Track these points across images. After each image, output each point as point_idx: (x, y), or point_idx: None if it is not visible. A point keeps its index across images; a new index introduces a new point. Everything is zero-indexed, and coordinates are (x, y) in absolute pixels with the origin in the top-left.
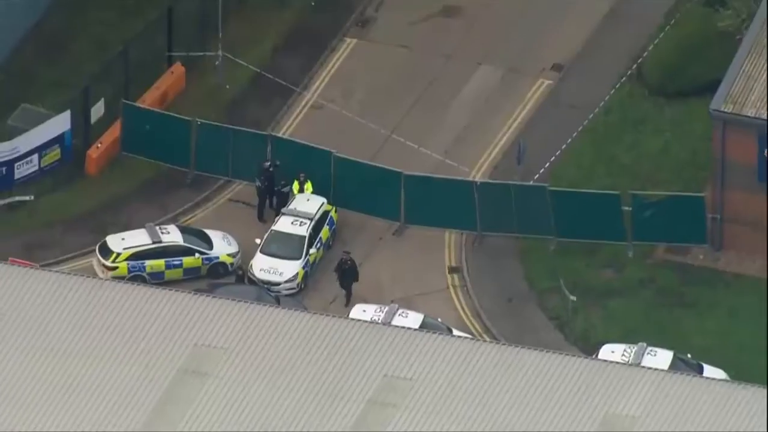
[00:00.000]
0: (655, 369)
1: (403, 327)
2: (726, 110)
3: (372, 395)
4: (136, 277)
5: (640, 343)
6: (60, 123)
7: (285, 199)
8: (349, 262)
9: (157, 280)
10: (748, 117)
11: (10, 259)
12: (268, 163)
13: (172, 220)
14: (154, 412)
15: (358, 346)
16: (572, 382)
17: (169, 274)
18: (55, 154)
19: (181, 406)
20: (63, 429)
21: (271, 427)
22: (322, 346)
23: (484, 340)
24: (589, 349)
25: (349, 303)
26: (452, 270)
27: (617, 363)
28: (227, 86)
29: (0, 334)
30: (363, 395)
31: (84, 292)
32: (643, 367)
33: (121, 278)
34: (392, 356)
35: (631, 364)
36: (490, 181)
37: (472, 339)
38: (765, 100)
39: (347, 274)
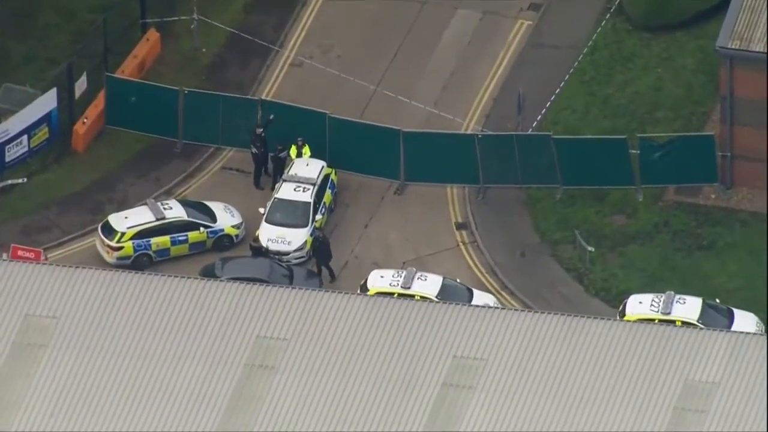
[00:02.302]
0: (728, 331)
1: (466, 305)
2: (733, 47)
3: (445, 378)
4: (141, 255)
5: (668, 292)
6: (47, 101)
7: (282, 164)
8: (320, 238)
9: (163, 257)
10: (757, 52)
11: (12, 246)
12: (261, 129)
13: (168, 193)
14: (228, 410)
15: (422, 327)
16: (645, 350)
17: (175, 251)
18: (43, 133)
19: (254, 402)
20: None
21: (349, 417)
22: (385, 330)
23: (549, 313)
24: (612, 299)
25: (321, 280)
26: (460, 226)
27: (689, 328)
28: (203, 49)
29: (58, 336)
30: (436, 378)
31: (136, 288)
32: (716, 330)
33: (126, 258)
34: (458, 336)
35: (702, 328)
36: (492, 133)
37: (537, 312)
38: None
39: (318, 252)
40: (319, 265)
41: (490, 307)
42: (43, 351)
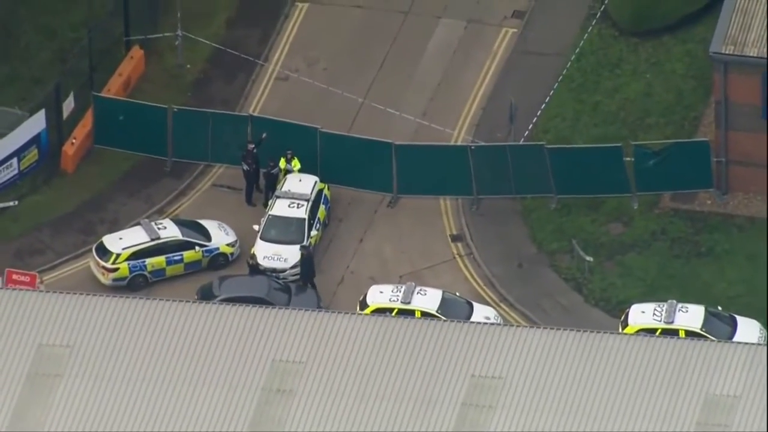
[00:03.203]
0: (746, 344)
1: (479, 322)
2: (727, 52)
3: (464, 397)
4: (137, 276)
5: (669, 301)
6: (36, 123)
7: (274, 181)
8: (304, 255)
9: (159, 277)
10: (752, 57)
11: (6, 270)
12: (253, 146)
13: (159, 212)
14: None
15: (438, 347)
16: (664, 365)
17: (171, 271)
18: (33, 155)
19: (274, 427)
20: None
21: None
22: (401, 350)
23: (566, 329)
24: (612, 309)
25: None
26: (455, 238)
27: (707, 341)
28: (188, 66)
29: (73, 366)
30: (455, 398)
31: (149, 315)
32: (733, 342)
33: (122, 279)
34: (474, 354)
35: (721, 341)
36: (485, 144)
37: (553, 329)
38: (765, 38)
39: (302, 268)
40: (306, 281)
41: (505, 325)
42: (59, 381)
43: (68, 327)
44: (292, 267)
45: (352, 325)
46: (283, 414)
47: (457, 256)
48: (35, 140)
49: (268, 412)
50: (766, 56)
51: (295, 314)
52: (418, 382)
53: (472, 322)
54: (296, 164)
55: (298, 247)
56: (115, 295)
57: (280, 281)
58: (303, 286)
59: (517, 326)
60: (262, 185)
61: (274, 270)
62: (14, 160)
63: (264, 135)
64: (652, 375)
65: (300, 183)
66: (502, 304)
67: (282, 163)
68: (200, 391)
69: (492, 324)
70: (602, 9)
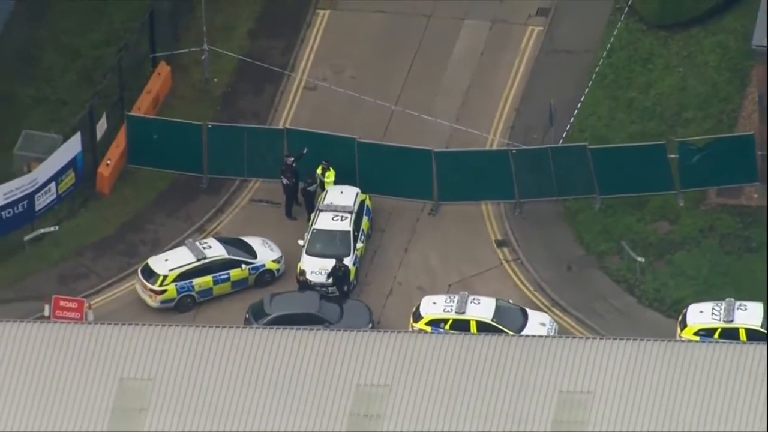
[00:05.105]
0: None
1: (563, 337)
2: None
3: (555, 414)
4: (185, 297)
5: (728, 299)
6: (72, 146)
7: (311, 198)
8: (342, 269)
9: (206, 297)
10: None
11: (54, 297)
12: (292, 159)
13: (200, 230)
14: None
15: (523, 363)
16: (753, 372)
17: (218, 290)
18: (70, 179)
19: None
20: None
21: None
22: (485, 368)
23: (650, 340)
24: (667, 309)
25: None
26: (500, 244)
27: None
28: (215, 79)
29: (157, 399)
30: (546, 415)
31: (227, 343)
32: None
33: (170, 301)
34: (561, 369)
35: None
36: (526, 147)
37: (636, 339)
38: None
39: (341, 282)
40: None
41: (589, 338)
42: (144, 415)
43: (148, 359)
44: None
45: (434, 344)
46: None
47: (504, 262)
48: (72, 163)
49: None
50: None
51: (374, 336)
52: (507, 400)
53: (556, 337)
54: (330, 176)
55: (346, 260)
56: (191, 324)
57: (330, 296)
58: (355, 301)
59: (601, 338)
60: (301, 200)
61: (322, 285)
62: (53, 185)
63: (305, 150)
64: (742, 383)
65: (342, 195)
66: (554, 309)
67: (319, 170)
68: (288, 419)
69: (575, 337)
70: (629, 3)
